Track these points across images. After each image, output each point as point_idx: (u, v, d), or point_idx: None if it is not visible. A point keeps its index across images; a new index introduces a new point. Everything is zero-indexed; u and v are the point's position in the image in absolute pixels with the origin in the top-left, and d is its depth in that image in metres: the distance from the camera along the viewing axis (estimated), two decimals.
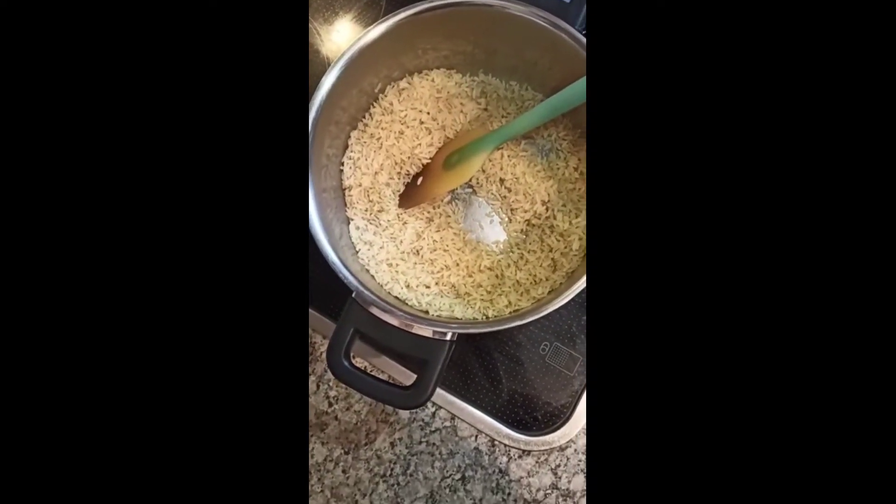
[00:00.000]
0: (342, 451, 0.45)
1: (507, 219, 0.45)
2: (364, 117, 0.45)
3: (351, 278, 0.38)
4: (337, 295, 0.45)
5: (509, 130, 0.42)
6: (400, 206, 0.44)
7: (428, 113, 0.45)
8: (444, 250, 0.44)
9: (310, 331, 0.47)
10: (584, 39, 0.38)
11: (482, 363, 0.46)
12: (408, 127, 0.45)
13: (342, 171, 0.45)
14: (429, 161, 0.44)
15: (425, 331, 0.38)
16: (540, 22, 0.39)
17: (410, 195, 0.44)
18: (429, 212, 0.45)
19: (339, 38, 0.51)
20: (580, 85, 0.37)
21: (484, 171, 0.44)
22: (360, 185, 0.45)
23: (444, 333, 0.38)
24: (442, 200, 0.45)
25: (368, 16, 0.51)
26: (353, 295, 0.38)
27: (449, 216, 0.45)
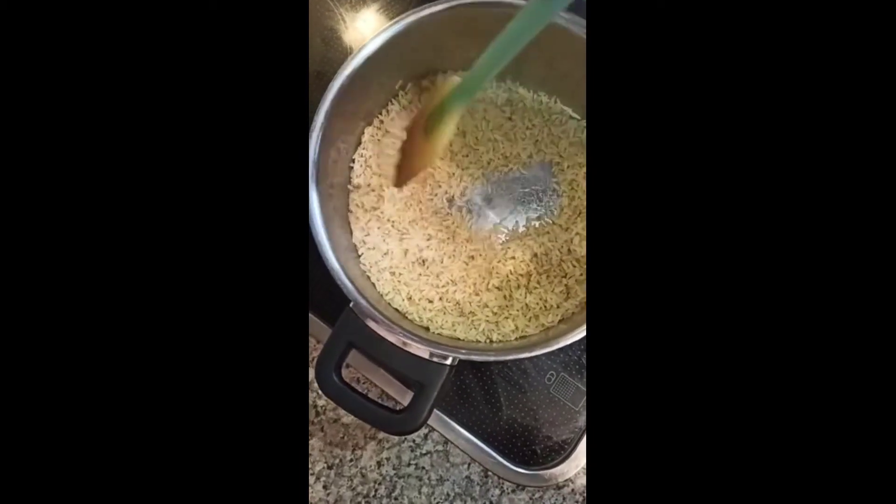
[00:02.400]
0: (325, 466, 0.43)
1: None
2: (381, 114, 0.43)
3: (350, 286, 0.36)
4: (333, 298, 0.43)
5: (479, 73, 0.35)
6: (395, 185, 0.40)
7: None
8: (451, 260, 0.41)
9: None
10: None
11: (482, 386, 0.43)
12: None
13: (352, 168, 0.42)
14: (405, 136, 0.40)
15: (424, 352, 0.35)
16: (579, 32, 0.36)
17: (401, 173, 0.39)
18: (439, 221, 0.42)
19: (365, 27, 0.48)
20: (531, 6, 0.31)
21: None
22: (369, 186, 0.42)
23: (445, 357, 0.35)
24: (452, 206, 0.42)
25: (397, 6, 0.48)
26: (351, 305, 0.36)
27: (458, 226, 0.42)
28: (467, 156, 0.42)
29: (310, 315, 0.44)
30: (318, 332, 0.44)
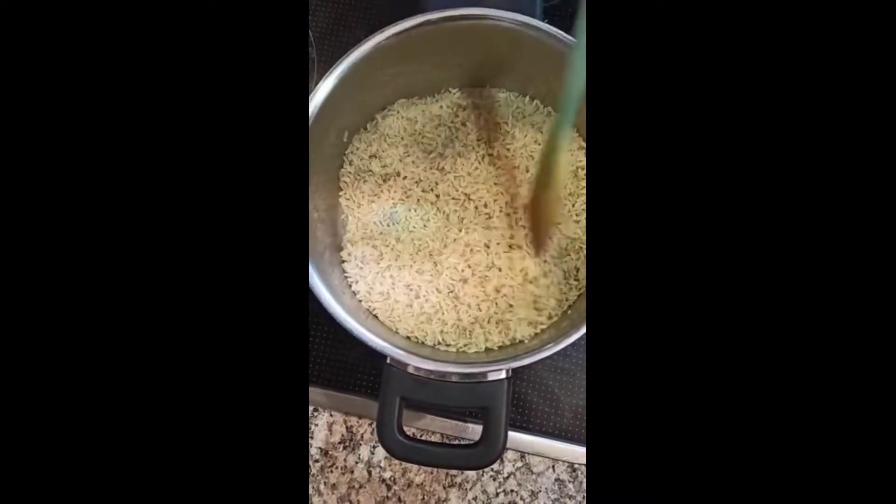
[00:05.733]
0: None
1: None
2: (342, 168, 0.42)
3: (380, 342, 0.34)
4: (350, 367, 0.42)
5: (566, 104, 0.32)
6: (537, 253, 0.39)
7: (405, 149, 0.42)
8: (464, 284, 0.40)
9: (342, 417, 0.42)
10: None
11: (533, 387, 0.42)
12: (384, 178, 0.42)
13: (345, 225, 0.41)
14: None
15: (477, 375, 0.34)
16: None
17: (539, 237, 0.39)
18: (430, 256, 0.41)
19: None
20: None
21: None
22: (361, 239, 0.41)
23: (500, 371, 0.34)
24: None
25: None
26: (388, 361, 0.34)
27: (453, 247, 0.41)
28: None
29: (336, 393, 0.42)
30: (349, 407, 0.42)
